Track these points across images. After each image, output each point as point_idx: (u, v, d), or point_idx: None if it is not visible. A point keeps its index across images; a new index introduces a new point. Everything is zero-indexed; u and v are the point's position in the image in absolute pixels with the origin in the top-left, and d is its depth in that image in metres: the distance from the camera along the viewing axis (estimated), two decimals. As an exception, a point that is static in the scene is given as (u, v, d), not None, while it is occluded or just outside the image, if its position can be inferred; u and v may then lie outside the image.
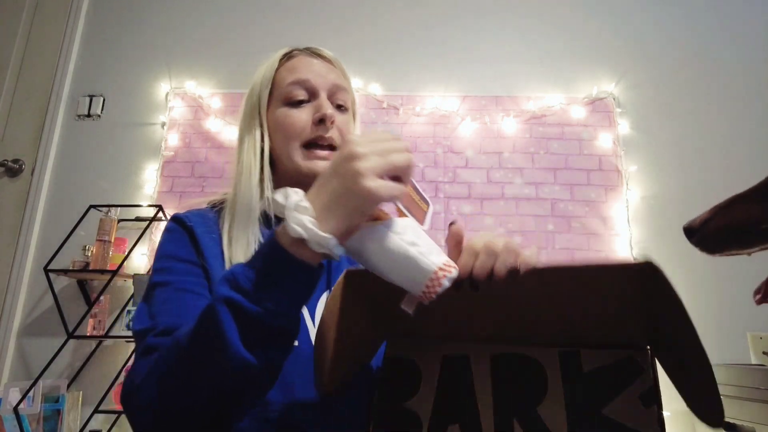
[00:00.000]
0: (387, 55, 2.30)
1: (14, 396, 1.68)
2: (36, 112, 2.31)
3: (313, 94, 0.76)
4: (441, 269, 0.47)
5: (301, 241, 0.46)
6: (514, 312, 0.53)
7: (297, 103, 0.75)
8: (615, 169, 2.12)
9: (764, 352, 1.64)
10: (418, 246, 0.47)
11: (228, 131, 2.23)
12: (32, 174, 2.22)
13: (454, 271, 0.47)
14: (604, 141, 2.15)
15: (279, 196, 0.48)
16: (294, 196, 0.47)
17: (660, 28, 2.28)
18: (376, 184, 0.46)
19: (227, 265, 0.66)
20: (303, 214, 0.46)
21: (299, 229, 0.45)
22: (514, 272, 0.48)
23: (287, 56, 0.80)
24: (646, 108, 2.19)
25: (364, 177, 0.45)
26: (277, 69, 0.78)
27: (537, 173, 2.12)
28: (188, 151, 2.22)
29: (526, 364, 0.54)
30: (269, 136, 0.77)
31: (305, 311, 0.69)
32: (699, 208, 2.42)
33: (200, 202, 0.79)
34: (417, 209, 0.53)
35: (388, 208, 0.51)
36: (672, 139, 2.15)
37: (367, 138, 0.49)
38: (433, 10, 2.36)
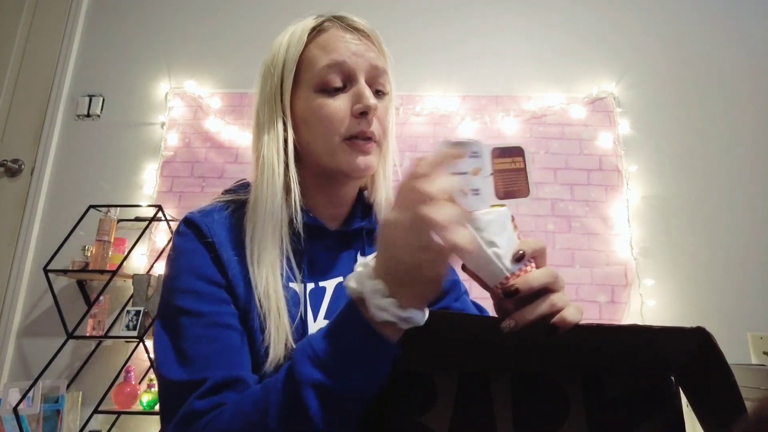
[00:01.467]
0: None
1: (14, 396, 1.67)
2: (35, 112, 2.31)
3: (350, 79, 0.65)
4: (514, 275, 0.46)
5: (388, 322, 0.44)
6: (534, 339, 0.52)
7: (333, 91, 0.64)
8: (615, 168, 2.12)
9: (765, 352, 1.63)
10: (496, 247, 0.47)
11: (228, 131, 2.23)
12: (32, 174, 2.22)
13: (520, 285, 0.47)
14: (604, 141, 2.15)
15: (352, 282, 0.46)
16: (368, 281, 0.45)
17: (660, 28, 2.28)
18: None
19: (257, 287, 0.59)
20: (382, 298, 0.44)
21: (384, 315, 0.44)
22: (552, 329, 0.46)
23: (317, 30, 0.67)
24: (646, 108, 2.19)
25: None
26: (306, 44, 0.66)
27: (537, 173, 2.12)
28: (188, 151, 2.22)
29: (547, 384, 0.52)
30: (295, 126, 0.66)
31: (309, 311, 0.65)
32: (699, 207, 2.41)
33: (214, 201, 0.68)
34: (518, 179, 0.50)
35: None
36: (672, 138, 2.15)
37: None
38: (432, 9, 2.36)
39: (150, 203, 2.09)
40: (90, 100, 2.31)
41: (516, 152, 0.50)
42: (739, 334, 1.69)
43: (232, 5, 2.41)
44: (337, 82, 0.64)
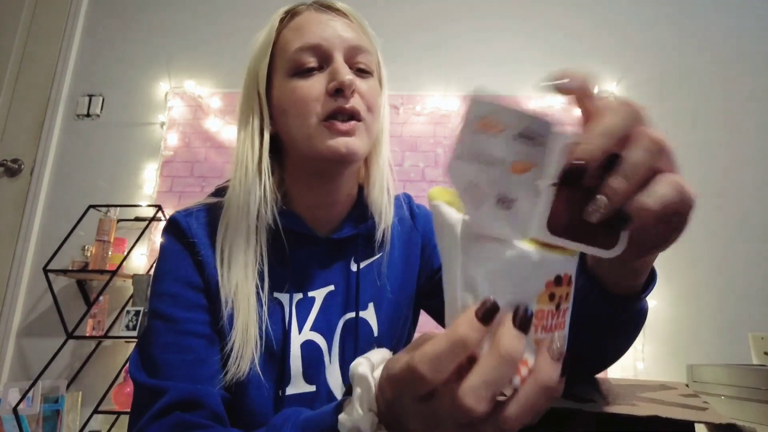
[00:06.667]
0: (387, 55, 2.29)
1: (13, 396, 1.67)
2: (35, 112, 2.31)
3: (325, 59, 0.60)
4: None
5: None
6: None
7: (306, 72, 0.59)
8: (615, 168, 2.11)
9: (766, 353, 1.63)
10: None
11: (227, 131, 2.22)
12: (31, 174, 2.22)
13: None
14: (604, 140, 2.14)
15: (350, 418, 0.38)
16: (366, 413, 0.37)
17: (660, 28, 2.28)
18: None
19: (227, 294, 0.57)
20: None
21: None
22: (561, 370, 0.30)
23: (290, 14, 0.64)
24: (646, 108, 2.18)
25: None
26: (279, 31, 0.62)
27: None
28: (188, 150, 2.22)
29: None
30: (273, 117, 0.62)
31: (323, 343, 0.62)
32: (700, 207, 2.39)
33: (200, 202, 0.66)
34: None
35: None
36: (673, 138, 2.14)
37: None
38: (433, 9, 2.35)
39: (150, 203, 2.09)
40: (90, 100, 2.30)
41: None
42: (740, 335, 1.68)
43: (231, 5, 2.41)
44: (311, 63, 0.60)
